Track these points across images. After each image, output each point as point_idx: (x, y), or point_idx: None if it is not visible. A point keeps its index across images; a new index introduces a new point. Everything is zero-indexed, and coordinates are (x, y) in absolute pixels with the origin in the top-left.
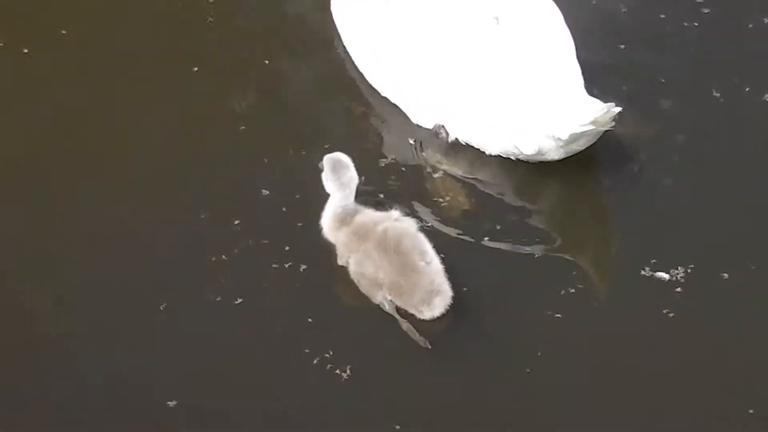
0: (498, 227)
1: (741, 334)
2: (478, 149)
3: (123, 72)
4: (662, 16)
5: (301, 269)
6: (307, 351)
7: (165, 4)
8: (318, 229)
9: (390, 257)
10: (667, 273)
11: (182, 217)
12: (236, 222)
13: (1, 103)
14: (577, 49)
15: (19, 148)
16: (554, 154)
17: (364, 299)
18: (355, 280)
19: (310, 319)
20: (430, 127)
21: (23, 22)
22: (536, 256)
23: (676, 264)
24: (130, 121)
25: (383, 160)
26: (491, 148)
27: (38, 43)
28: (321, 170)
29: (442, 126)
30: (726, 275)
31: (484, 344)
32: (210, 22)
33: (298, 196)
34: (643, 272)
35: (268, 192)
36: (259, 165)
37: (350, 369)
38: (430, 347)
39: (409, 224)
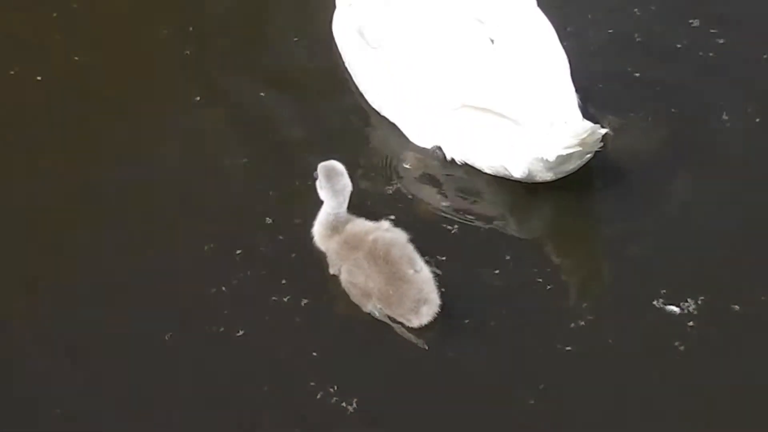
0: (507, 256)
1: (753, 367)
2: (475, 169)
3: (129, 100)
4: (678, 45)
5: (303, 303)
6: (312, 384)
7: (171, 36)
8: (320, 261)
9: (379, 266)
10: (677, 306)
11: (187, 249)
12: (238, 251)
13: (14, 129)
14: (590, 76)
15: (27, 173)
16: (544, 175)
17: (369, 330)
18: (346, 290)
19: (314, 353)
20: (428, 147)
21: (36, 49)
22: (548, 288)
23: (686, 296)
24: (134, 150)
25: (382, 179)
26: (486, 169)
27: (51, 70)
28: (315, 178)
29: (439, 147)
30: (737, 307)
31: (491, 375)
32: (211, 52)
33: (298, 221)
34: (654, 303)
35: (271, 220)
36: (264, 197)
37: (356, 402)
38: (427, 348)
39: (399, 234)
